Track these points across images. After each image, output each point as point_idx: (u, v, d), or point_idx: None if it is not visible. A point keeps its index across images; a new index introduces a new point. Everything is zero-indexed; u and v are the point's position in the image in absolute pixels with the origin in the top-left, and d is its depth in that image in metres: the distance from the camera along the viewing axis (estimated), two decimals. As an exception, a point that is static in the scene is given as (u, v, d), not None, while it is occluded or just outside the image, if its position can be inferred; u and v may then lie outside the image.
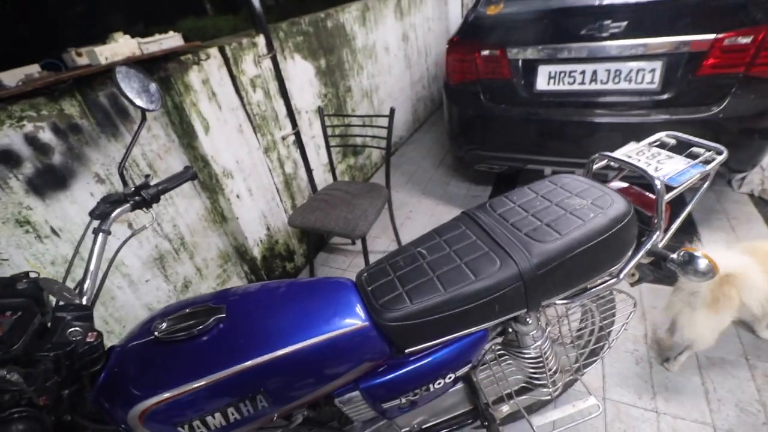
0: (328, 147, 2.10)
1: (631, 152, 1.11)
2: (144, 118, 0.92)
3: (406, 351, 0.86)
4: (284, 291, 0.88)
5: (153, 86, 0.92)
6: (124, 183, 0.88)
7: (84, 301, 0.76)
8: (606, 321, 1.23)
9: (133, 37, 1.50)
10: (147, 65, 1.49)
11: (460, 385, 1.05)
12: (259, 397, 0.73)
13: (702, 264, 0.91)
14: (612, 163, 1.10)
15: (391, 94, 3.35)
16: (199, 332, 0.74)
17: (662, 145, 1.13)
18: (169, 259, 1.72)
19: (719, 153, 1.03)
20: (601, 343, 1.24)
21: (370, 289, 0.88)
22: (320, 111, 2.04)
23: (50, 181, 1.31)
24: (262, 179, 1.99)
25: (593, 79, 1.92)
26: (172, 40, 1.49)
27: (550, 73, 2.00)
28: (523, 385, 1.14)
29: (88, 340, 0.70)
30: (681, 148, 1.11)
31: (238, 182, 1.85)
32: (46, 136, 1.28)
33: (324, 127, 2.05)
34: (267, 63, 1.92)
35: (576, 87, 1.97)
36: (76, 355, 0.68)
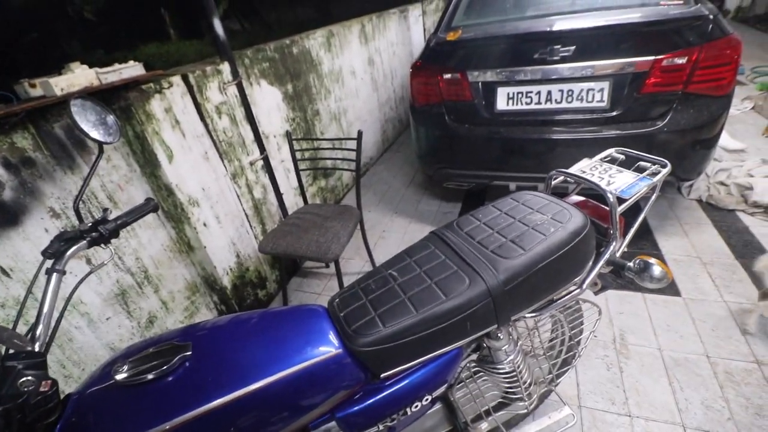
0: (297, 171, 2.10)
1: (585, 168, 1.18)
2: (101, 151, 0.89)
3: (382, 376, 0.85)
4: (253, 323, 0.86)
5: (111, 118, 0.90)
6: (80, 219, 0.85)
7: (37, 348, 0.71)
8: (575, 330, 1.27)
9: (92, 65, 1.47)
10: (106, 95, 1.46)
11: (438, 406, 1.04)
12: (230, 437, 0.70)
13: (656, 271, 0.97)
14: (569, 179, 1.16)
15: (359, 117, 3.41)
16: (164, 373, 0.71)
17: (612, 161, 1.20)
18: (132, 294, 1.64)
19: (664, 166, 1.11)
20: (572, 352, 1.28)
21: (342, 314, 0.88)
22: (288, 135, 2.04)
23: (0, 218, 1.24)
24: (230, 206, 1.95)
25: (548, 99, 2.03)
26: (132, 69, 1.47)
27: (508, 94, 2.10)
28: (500, 400, 1.14)
29: (41, 389, 0.65)
30: (630, 163, 1.18)
31: (205, 210, 1.81)
32: (-4, 171, 1.22)
33: (293, 151, 2.05)
34: (232, 90, 1.92)
35: (533, 107, 2.07)
36: (29, 407, 0.63)
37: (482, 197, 2.92)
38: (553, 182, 1.19)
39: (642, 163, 1.14)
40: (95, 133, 0.85)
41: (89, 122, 0.85)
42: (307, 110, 2.65)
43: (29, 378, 0.64)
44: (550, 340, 1.35)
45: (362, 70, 3.36)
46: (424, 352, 0.86)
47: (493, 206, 1.10)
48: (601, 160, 1.21)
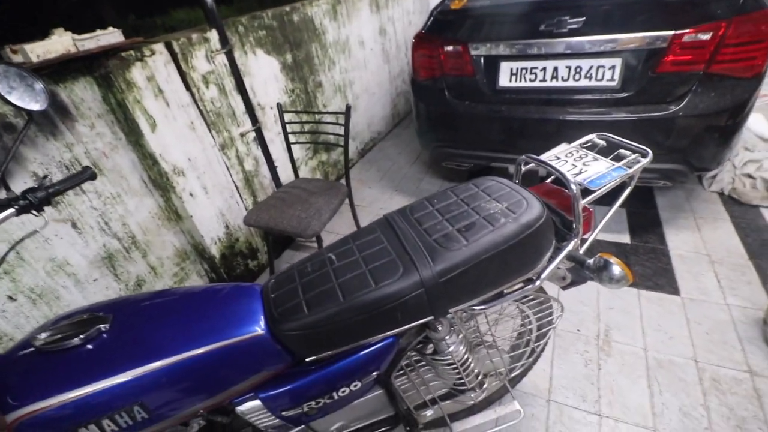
0: (288, 143, 2.08)
1: (561, 153, 1.09)
2: (30, 119, 0.89)
3: (307, 360, 0.85)
4: (184, 298, 0.86)
5: (39, 85, 0.89)
6: (7, 188, 0.86)
7: None
8: (542, 322, 1.22)
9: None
10: (86, 62, 1.47)
11: (378, 391, 1.03)
12: (137, 408, 0.71)
13: (615, 270, 0.89)
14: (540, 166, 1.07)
15: (367, 89, 3.31)
16: (82, 342, 0.73)
17: (592, 147, 1.10)
18: (119, 258, 1.70)
19: (644, 155, 1.00)
20: (534, 346, 1.23)
21: (273, 296, 0.86)
22: (279, 107, 2.01)
23: (-18, 180, 1.29)
24: (219, 177, 1.97)
25: (554, 76, 1.88)
26: (111, 36, 1.46)
27: (511, 69, 1.96)
28: (450, 390, 1.12)
29: None
30: (611, 150, 1.08)
31: (191, 180, 1.82)
32: (-24, 135, 1.26)
33: (283, 124, 2.02)
34: (221, 58, 1.89)
35: (537, 84, 1.93)
36: None
37: (487, 179, 2.81)
38: (523, 168, 1.10)
39: (622, 151, 1.04)
40: (20, 101, 0.85)
41: (12, 89, 0.85)
42: (308, 81, 2.60)
43: None
44: (519, 333, 1.30)
45: (372, 40, 3.24)
46: (350, 340, 0.84)
47: (450, 191, 1.04)
48: (580, 145, 1.11)
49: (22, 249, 1.42)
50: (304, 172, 2.71)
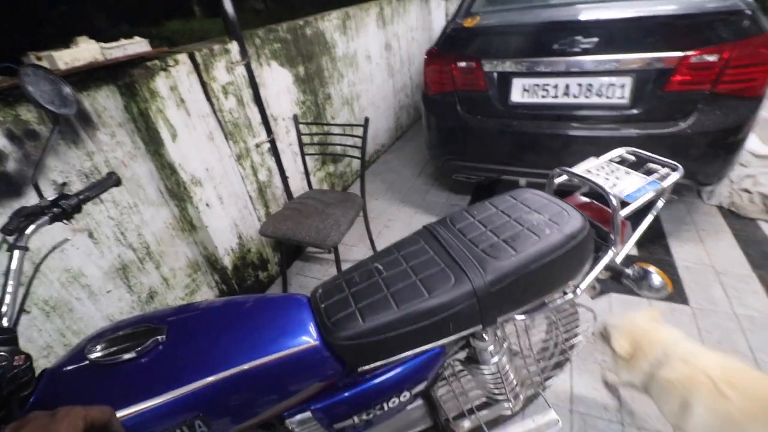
0: (303, 155, 2.09)
1: (591, 168, 1.12)
2: (57, 123, 0.86)
3: (359, 370, 0.84)
4: (233, 309, 0.85)
5: (67, 90, 0.87)
6: (40, 194, 0.83)
7: (5, 323, 0.71)
8: (569, 333, 1.24)
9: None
10: (111, 71, 1.46)
11: (419, 402, 1.03)
12: (198, 422, 0.70)
13: (656, 280, 0.92)
14: (573, 179, 1.11)
15: (373, 102, 3.35)
16: (138, 354, 0.72)
17: (621, 161, 1.14)
18: (133, 269, 1.67)
19: (674, 169, 1.04)
20: (564, 356, 1.24)
21: (323, 306, 0.86)
22: (295, 119, 2.02)
23: (2, 188, 1.26)
24: (234, 187, 1.96)
25: (566, 93, 1.94)
26: (137, 45, 1.46)
27: (524, 85, 2.02)
28: (485, 399, 1.12)
29: (15, 363, 0.66)
30: (639, 164, 1.12)
31: (208, 190, 1.81)
32: (0, 142, 1.24)
33: (299, 135, 2.03)
34: (240, 70, 1.90)
35: (549, 100, 1.99)
36: (4, 381, 0.64)
37: (492, 191, 2.86)
38: (556, 181, 1.14)
39: (651, 165, 1.08)
40: (50, 105, 0.83)
41: (43, 93, 0.83)
42: (318, 94, 2.62)
43: (2, 353, 0.65)
44: (544, 341, 1.32)
45: (378, 55, 3.29)
46: (403, 349, 0.84)
47: (489, 203, 1.06)
48: (609, 160, 1.15)
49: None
50: (312, 184, 2.71)
